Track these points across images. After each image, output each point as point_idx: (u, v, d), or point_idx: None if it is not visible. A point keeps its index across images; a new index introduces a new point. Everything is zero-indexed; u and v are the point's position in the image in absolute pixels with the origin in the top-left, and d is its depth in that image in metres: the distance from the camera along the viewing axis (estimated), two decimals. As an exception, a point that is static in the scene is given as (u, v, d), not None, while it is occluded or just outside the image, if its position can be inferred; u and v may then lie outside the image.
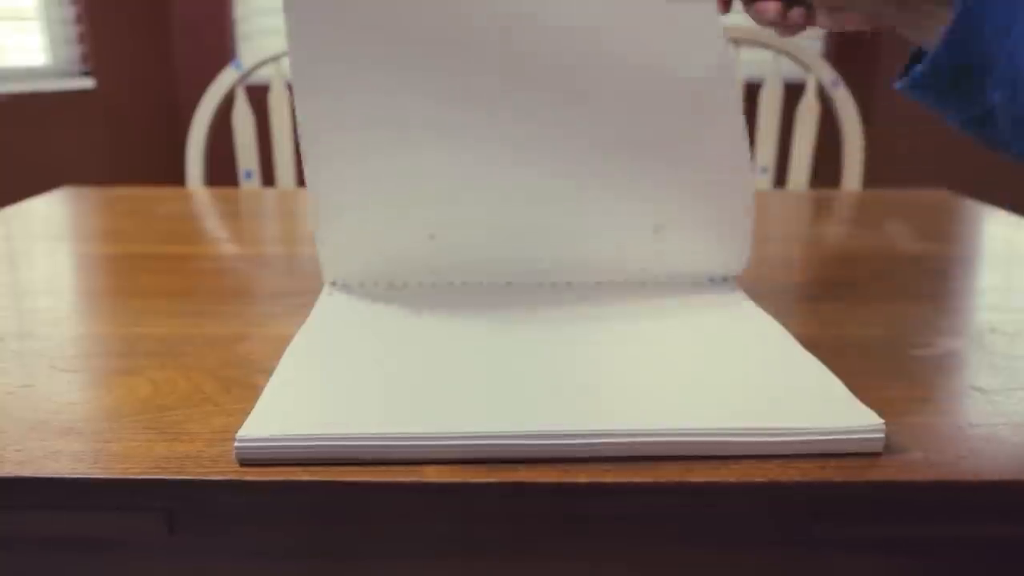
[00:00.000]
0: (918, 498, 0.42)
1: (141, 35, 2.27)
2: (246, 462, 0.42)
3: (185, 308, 0.67)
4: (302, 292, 0.70)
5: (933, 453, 0.43)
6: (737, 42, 1.37)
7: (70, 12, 2.12)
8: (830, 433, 0.43)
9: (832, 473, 0.41)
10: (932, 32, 0.45)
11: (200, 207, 1.14)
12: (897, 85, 0.47)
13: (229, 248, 0.89)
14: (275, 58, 1.36)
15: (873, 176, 1.46)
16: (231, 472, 0.42)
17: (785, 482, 0.41)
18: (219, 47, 2.34)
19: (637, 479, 0.41)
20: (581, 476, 0.41)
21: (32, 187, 1.30)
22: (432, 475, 0.41)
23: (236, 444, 0.42)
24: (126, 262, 0.83)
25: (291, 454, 0.42)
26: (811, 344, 0.56)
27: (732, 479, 0.41)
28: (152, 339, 0.60)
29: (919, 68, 0.45)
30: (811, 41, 2.51)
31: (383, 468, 0.42)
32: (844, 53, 2.43)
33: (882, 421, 0.43)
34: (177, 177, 1.55)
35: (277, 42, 1.38)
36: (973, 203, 1.11)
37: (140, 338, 0.60)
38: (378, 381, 0.48)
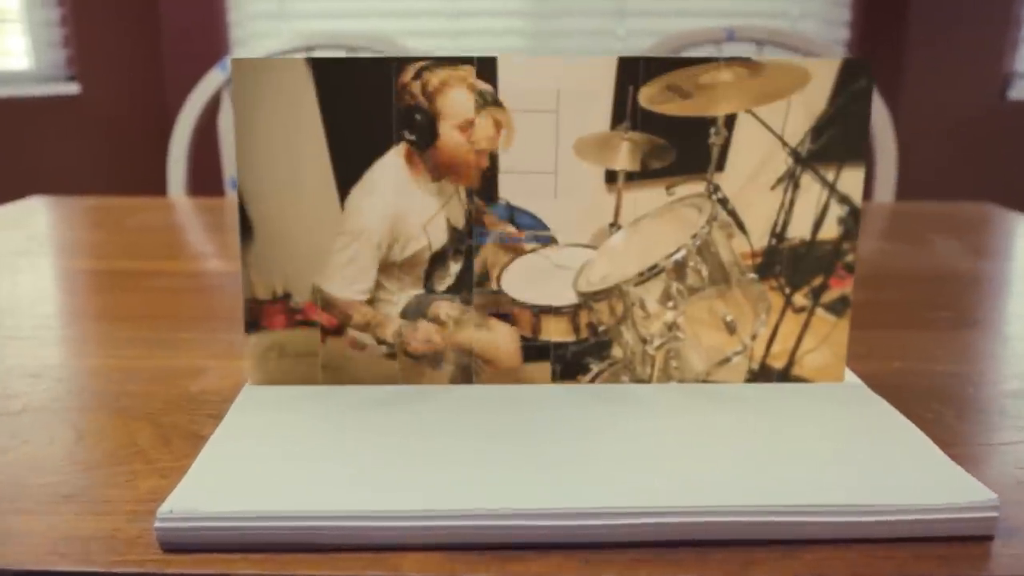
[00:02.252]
0: (1050, 601, 0.32)
1: (129, 39, 2.18)
2: (170, 546, 0.32)
3: (140, 335, 0.58)
4: (274, 316, 0.60)
5: (1060, 537, 0.34)
6: (760, 43, 1.28)
7: (54, 14, 2.03)
8: (928, 512, 0.33)
9: (934, 566, 0.32)
10: None
11: (179, 218, 1.04)
12: None
13: (203, 265, 0.79)
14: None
15: (902, 186, 1.36)
16: (150, 560, 0.32)
17: (874, 579, 0.31)
18: (211, 52, 2.25)
19: (681, 573, 0.31)
20: (608, 570, 0.31)
21: (13, 195, 1.21)
22: (412, 567, 0.32)
23: (157, 523, 0.32)
24: (83, 279, 0.73)
25: (228, 537, 0.32)
26: (872, 383, 0.46)
27: (805, 573, 0.31)
28: (92, 373, 0.50)
29: None
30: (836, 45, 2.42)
31: (349, 556, 0.32)
32: (869, 57, 2.34)
33: (994, 495, 0.34)
34: (166, 187, 1.46)
35: (271, 45, 1.29)
36: (1020, 216, 1.01)
37: (78, 372, 0.51)
38: (342, 448, 0.38)
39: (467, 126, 0.42)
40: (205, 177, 1.33)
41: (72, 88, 2.03)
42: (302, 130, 0.42)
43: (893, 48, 2.35)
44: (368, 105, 0.42)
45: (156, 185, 1.25)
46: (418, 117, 0.42)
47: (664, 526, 0.32)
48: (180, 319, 0.62)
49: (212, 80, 1.27)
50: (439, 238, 0.43)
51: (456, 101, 0.42)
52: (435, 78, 0.42)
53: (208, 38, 2.24)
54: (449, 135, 0.42)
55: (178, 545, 0.32)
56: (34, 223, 0.98)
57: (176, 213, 1.07)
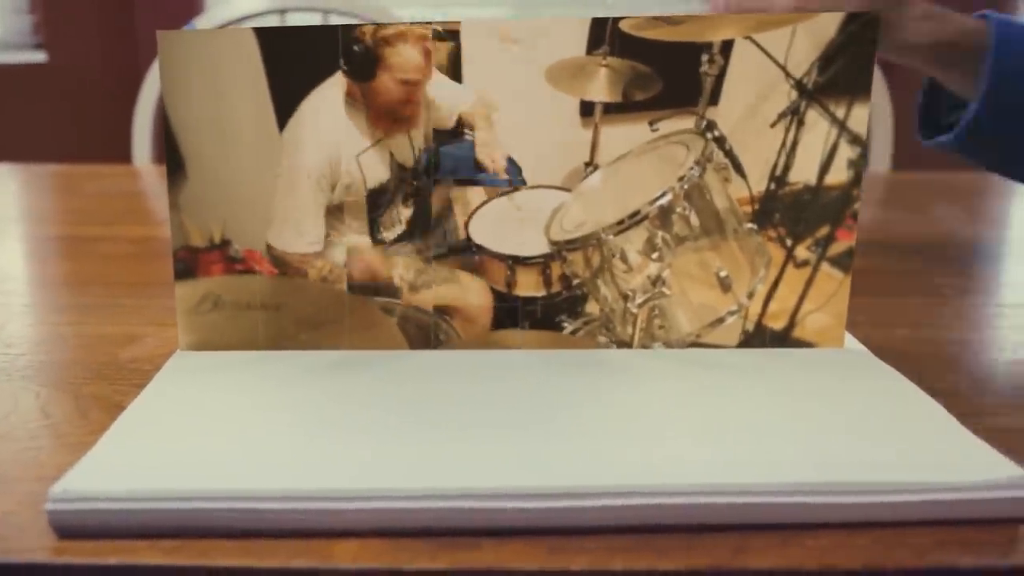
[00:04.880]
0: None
1: (98, 5, 2.09)
2: (65, 531, 0.28)
3: (76, 300, 0.54)
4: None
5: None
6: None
7: (19, -22, 1.95)
8: (950, 490, 0.29)
9: (957, 553, 0.27)
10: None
11: (140, 184, 0.99)
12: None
13: (154, 231, 0.74)
14: (235, 22, 1.22)
15: (897, 158, 1.32)
16: (43, 548, 0.27)
17: (888, 569, 0.27)
18: (186, 18, 2.17)
19: (662, 565, 0.27)
20: (578, 559, 0.27)
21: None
22: (347, 555, 0.27)
23: (48, 505, 0.28)
24: (30, 244, 0.69)
25: (133, 521, 0.28)
26: (876, 351, 0.41)
27: (810, 564, 0.27)
28: (14, 340, 0.46)
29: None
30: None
31: (272, 543, 0.28)
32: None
33: (1025, 472, 0.29)
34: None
35: (246, 6, 1.24)
36: (1021, 186, 0.97)
37: (-1, 338, 0.46)
38: (275, 420, 0.34)
39: (411, 84, 0.37)
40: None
41: (38, 56, 1.94)
42: (238, 56, 0.37)
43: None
44: (311, 33, 0.37)
45: (125, 155, 1.20)
46: (356, 48, 0.37)
47: (644, 508, 0.28)
48: (123, 284, 0.57)
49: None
50: (377, 174, 0.38)
51: (406, 57, 0.37)
52: (392, 28, 0.37)
53: (185, 4, 2.16)
54: (387, 84, 0.37)
55: (74, 530, 0.28)
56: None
57: (138, 180, 1.02)
